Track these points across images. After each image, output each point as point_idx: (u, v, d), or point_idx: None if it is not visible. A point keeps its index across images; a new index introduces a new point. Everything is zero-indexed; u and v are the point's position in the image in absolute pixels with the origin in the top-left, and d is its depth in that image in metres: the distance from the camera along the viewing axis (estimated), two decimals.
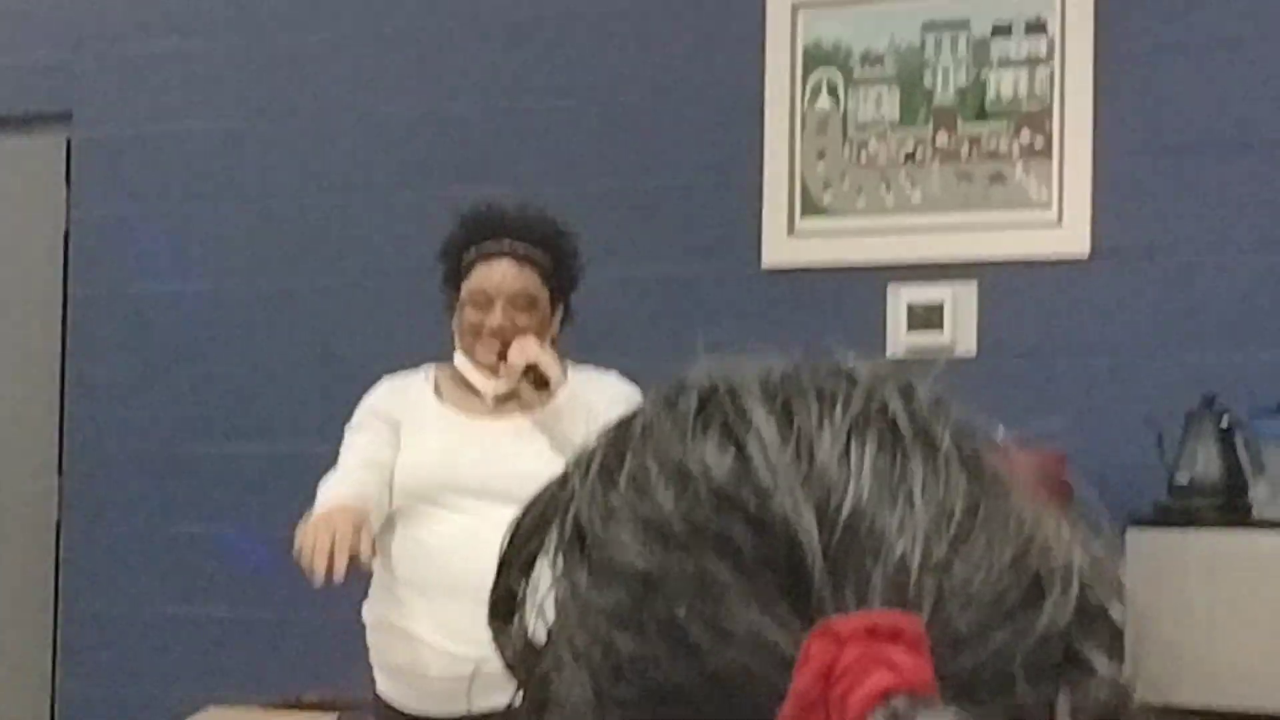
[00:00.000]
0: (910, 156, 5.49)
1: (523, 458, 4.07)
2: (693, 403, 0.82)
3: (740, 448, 0.80)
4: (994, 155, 5.40)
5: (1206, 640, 4.42)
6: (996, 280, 5.34)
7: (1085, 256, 5.27)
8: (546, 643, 0.83)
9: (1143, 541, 4.44)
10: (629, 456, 0.82)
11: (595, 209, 5.65)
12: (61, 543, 6.47)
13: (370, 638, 4.32)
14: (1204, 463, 4.78)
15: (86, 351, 6.46)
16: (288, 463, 5.71)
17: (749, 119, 5.62)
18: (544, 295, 4.30)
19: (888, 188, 5.51)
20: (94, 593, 6.35)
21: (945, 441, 0.81)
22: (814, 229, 5.57)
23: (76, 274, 6.49)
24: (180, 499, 6.26)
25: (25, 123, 6.58)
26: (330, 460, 4.24)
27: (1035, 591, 0.79)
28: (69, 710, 6.38)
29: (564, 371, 4.21)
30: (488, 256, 4.28)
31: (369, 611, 4.32)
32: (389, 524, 4.24)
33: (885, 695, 0.73)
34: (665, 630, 0.77)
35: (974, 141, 5.43)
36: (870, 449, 0.80)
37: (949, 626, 0.77)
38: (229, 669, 6.00)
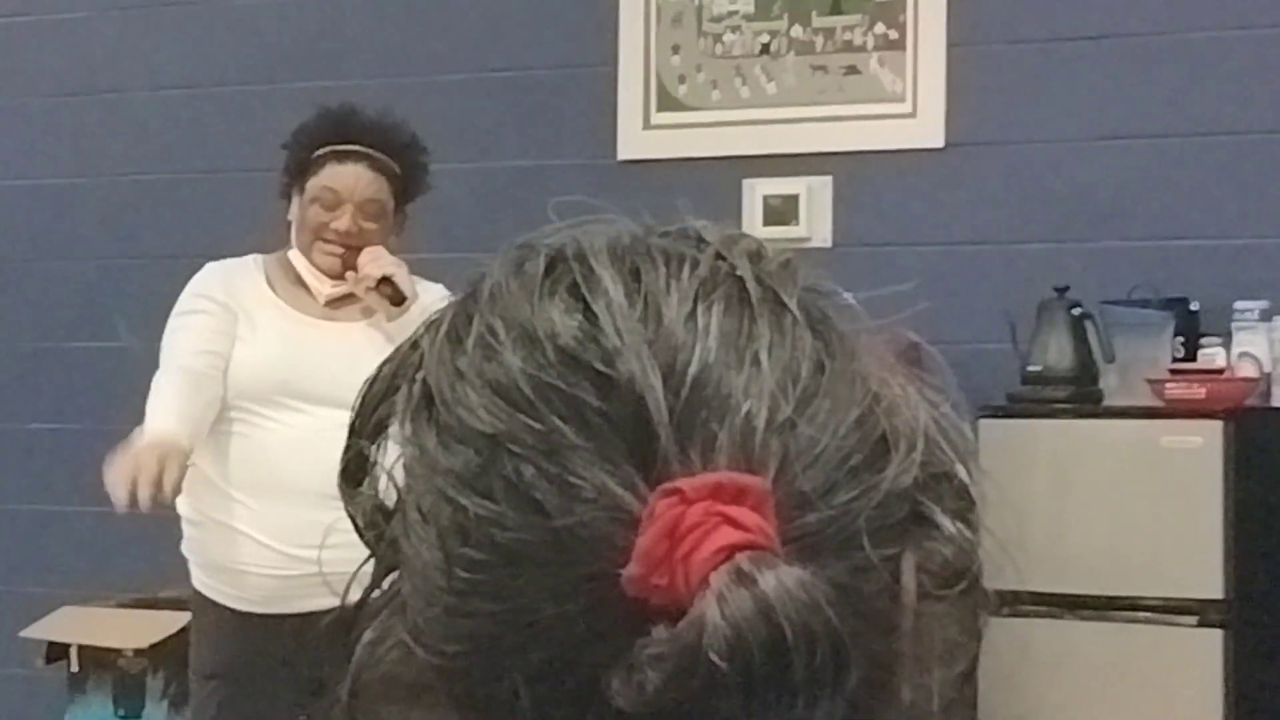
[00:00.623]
0: (765, 49, 5.49)
1: (370, 364, 3.99)
2: (541, 265, 0.82)
3: (588, 309, 0.80)
4: (849, 48, 5.41)
5: (1057, 525, 4.48)
6: (851, 173, 5.36)
7: (940, 148, 5.30)
8: (396, 505, 0.83)
9: (995, 430, 4.49)
10: (477, 319, 0.82)
11: (450, 100, 5.61)
12: None
13: (190, 532, 4.27)
14: (1056, 352, 4.83)
15: None
16: (137, 360, 5.65)
17: (604, 11, 5.59)
18: (391, 205, 4.27)
19: (743, 81, 5.51)
20: None
21: (793, 303, 0.82)
22: (669, 122, 5.56)
23: None
24: (30, 397, 6.18)
25: None
26: None
27: (881, 451, 0.80)
28: None
29: (414, 286, 4.17)
30: (342, 156, 4.22)
31: (189, 507, 4.25)
32: (223, 421, 4.18)
33: (729, 553, 0.74)
34: (512, 490, 0.77)
35: (829, 34, 5.43)
36: (717, 311, 0.80)
37: (794, 486, 0.77)
38: (83, 568, 5.94)
